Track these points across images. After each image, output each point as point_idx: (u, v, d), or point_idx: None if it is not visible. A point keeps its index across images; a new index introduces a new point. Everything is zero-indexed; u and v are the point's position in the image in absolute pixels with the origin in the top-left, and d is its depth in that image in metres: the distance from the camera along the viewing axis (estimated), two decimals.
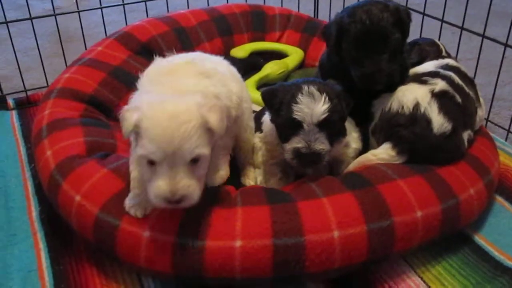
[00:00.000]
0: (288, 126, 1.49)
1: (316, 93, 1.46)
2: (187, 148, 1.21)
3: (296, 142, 1.48)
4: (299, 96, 1.46)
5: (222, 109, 1.30)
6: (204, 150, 1.24)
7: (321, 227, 1.32)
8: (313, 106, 1.45)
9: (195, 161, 1.24)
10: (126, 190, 1.41)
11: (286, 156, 1.52)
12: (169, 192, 1.21)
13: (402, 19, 1.63)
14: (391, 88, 1.66)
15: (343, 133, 1.59)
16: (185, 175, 1.22)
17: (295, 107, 1.46)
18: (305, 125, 1.46)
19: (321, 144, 1.47)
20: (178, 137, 1.20)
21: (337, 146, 1.57)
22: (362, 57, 1.62)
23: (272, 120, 1.58)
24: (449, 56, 1.89)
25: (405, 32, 1.65)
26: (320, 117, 1.45)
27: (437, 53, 1.87)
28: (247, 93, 1.73)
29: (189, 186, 1.22)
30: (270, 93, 1.56)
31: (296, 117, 1.46)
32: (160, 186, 1.22)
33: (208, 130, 1.26)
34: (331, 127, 1.49)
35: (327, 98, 1.46)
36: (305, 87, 1.47)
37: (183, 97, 1.27)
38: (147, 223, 1.34)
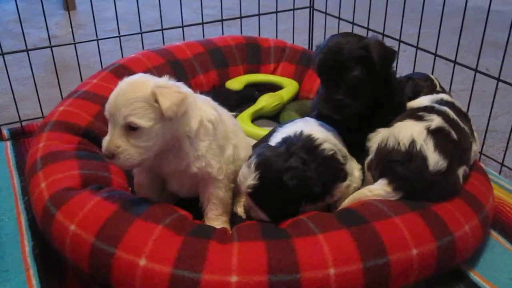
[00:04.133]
0: None
1: (252, 167, 1.51)
2: (122, 113, 1.37)
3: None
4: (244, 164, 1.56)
5: (182, 98, 1.41)
6: (142, 122, 1.38)
7: (317, 264, 1.32)
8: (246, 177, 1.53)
9: (132, 128, 1.39)
10: (119, 213, 1.43)
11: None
12: (104, 147, 1.41)
13: (369, 57, 1.61)
14: (386, 123, 1.68)
15: (342, 178, 1.60)
16: (118, 137, 1.39)
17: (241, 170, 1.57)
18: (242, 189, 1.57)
19: (254, 212, 1.57)
20: (119, 101, 1.38)
21: (336, 190, 1.60)
22: (322, 85, 1.68)
23: None
24: (443, 90, 1.90)
25: (373, 70, 1.62)
26: (247, 190, 1.53)
27: (431, 88, 1.88)
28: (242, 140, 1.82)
29: (119, 147, 1.39)
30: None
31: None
32: (103, 140, 1.42)
33: (157, 108, 1.39)
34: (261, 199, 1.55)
35: (258, 176, 1.49)
36: (251, 157, 1.54)
37: (149, 76, 1.48)
38: (144, 251, 1.34)
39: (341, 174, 1.60)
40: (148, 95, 1.39)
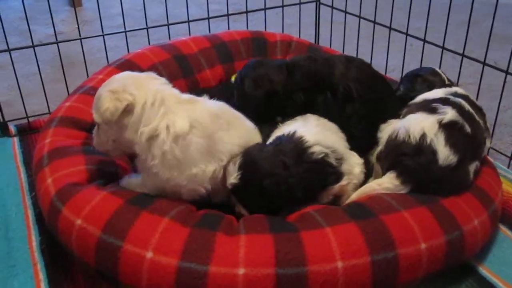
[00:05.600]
0: None
1: (236, 165, 1.51)
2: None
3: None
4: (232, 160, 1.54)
5: (118, 107, 1.44)
6: (95, 117, 1.51)
7: (325, 257, 1.31)
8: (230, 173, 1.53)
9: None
10: (125, 206, 1.44)
11: None
12: None
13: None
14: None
15: (333, 181, 1.58)
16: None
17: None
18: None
19: (237, 207, 1.57)
20: None
21: (328, 192, 1.59)
22: None
23: None
24: (452, 84, 1.88)
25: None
26: (229, 184, 1.52)
27: (442, 82, 1.86)
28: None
29: (94, 134, 1.62)
30: None
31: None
32: None
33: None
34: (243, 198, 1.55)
35: (239, 176, 1.49)
36: (239, 155, 1.53)
37: (128, 76, 1.56)
38: (150, 244, 1.34)
39: (333, 177, 1.57)
40: (100, 95, 1.49)
